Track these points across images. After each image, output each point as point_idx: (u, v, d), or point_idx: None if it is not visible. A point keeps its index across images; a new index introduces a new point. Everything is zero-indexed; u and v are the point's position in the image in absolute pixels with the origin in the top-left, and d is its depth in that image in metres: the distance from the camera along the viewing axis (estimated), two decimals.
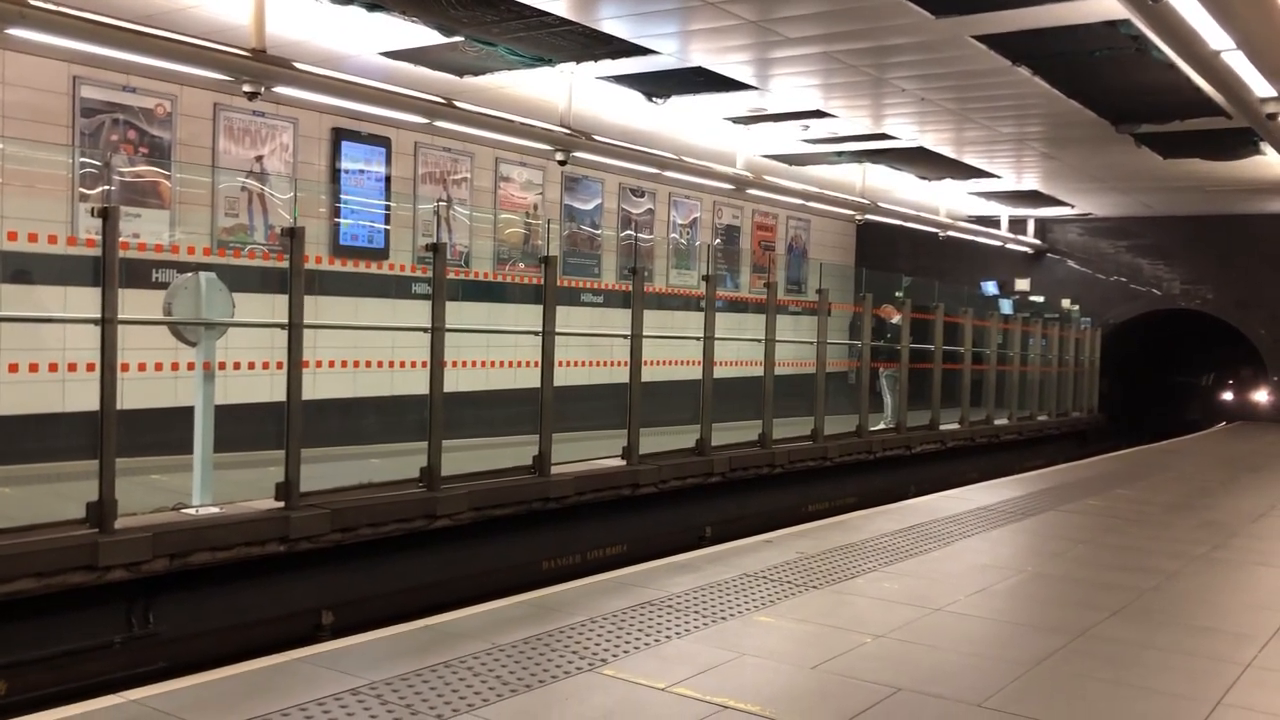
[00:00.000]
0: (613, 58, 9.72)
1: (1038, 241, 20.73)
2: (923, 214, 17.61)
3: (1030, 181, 16.45)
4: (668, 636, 4.85)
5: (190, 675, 4.25)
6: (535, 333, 8.78)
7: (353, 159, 12.18)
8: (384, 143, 12.47)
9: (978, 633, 5.24)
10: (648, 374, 9.88)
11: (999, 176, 15.91)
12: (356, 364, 8.67)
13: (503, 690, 4.06)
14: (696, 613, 5.28)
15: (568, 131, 10.87)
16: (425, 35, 9.06)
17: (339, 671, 4.24)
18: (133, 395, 7.66)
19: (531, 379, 8.96)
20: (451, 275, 8.89)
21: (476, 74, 10.39)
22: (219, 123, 10.90)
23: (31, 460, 7.48)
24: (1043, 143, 13.35)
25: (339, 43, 9.41)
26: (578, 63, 9.91)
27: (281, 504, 6.90)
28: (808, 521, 8.57)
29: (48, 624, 5.90)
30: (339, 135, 12.00)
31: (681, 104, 11.53)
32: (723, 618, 5.21)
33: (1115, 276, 20.46)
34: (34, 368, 7.19)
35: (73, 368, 9.27)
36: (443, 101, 9.94)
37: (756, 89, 10.82)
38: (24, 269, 9.42)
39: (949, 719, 3.98)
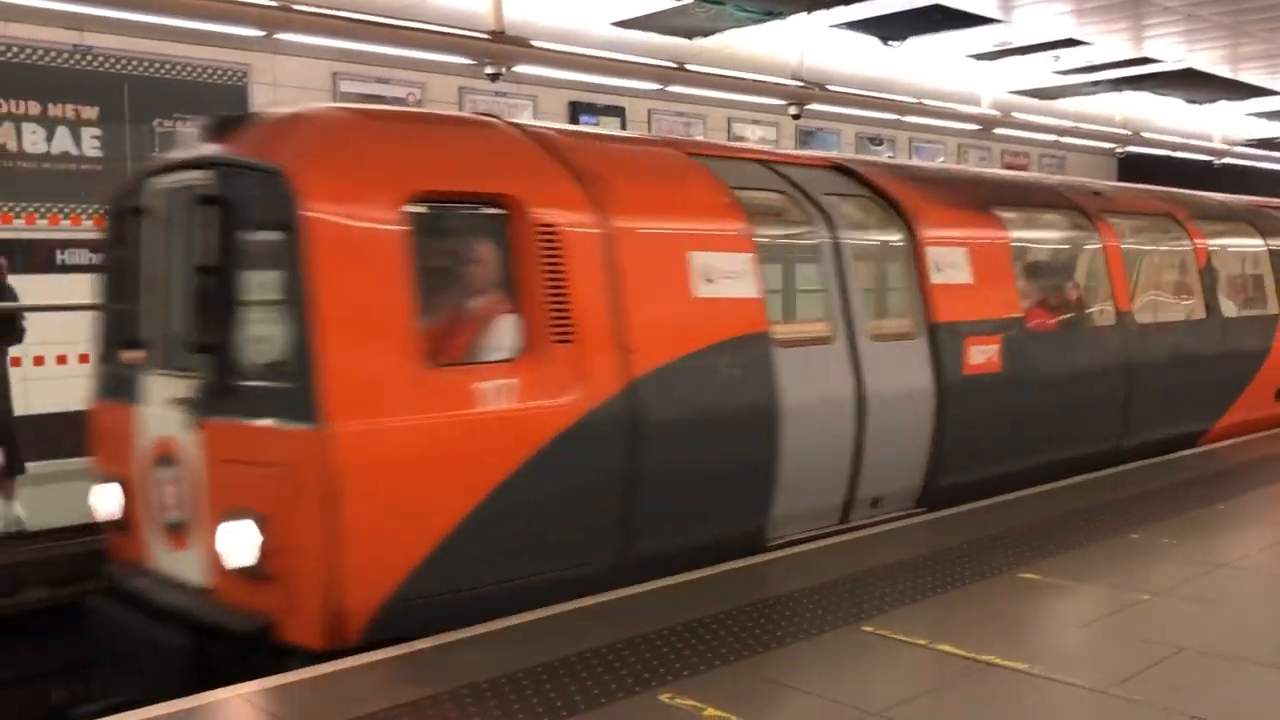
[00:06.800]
0: (845, 3, 9.48)
1: None
2: (1192, 141, 16.25)
3: None
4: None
5: None
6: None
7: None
8: (619, 112, 12.68)
9: (1265, 590, 4.82)
10: None
11: None
12: None
13: None
14: None
15: (801, 84, 10.71)
16: (655, 0, 9.13)
17: None
18: None
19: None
20: None
21: (706, 34, 10.38)
22: (465, 106, 11.41)
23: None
24: None
25: (570, 18, 9.63)
26: (809, 12, 9.73)
27: None
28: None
29: None
30: (575, 109, 12.30)
31: (919, 45, 11.11)
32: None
33: None
34: None
35: None
36: (674, 66, 10.01)
37: (1001, 21, 10.28)
38: None
39: (1235, 679, 3.69)
